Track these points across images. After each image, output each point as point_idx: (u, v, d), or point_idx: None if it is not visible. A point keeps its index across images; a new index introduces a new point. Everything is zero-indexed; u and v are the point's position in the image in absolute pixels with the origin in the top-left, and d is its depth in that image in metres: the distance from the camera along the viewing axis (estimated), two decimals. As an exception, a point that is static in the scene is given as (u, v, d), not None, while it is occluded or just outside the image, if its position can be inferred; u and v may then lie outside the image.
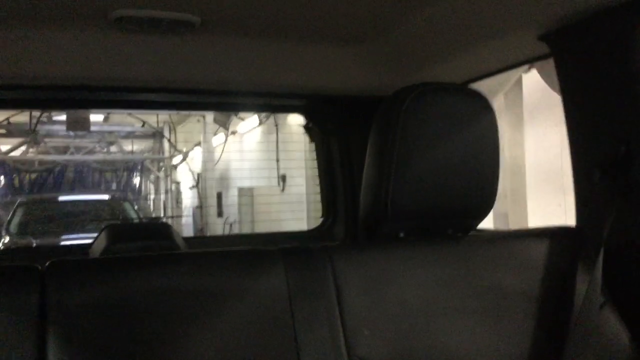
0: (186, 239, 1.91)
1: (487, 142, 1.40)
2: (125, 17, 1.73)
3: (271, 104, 2.71)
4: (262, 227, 10.66)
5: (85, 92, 2.20)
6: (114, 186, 15.22)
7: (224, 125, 11.54)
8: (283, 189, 10.67)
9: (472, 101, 1.40)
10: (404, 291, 1.32)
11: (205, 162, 12.69)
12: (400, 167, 1.32)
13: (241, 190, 11.78)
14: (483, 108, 1.40)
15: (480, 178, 1.40)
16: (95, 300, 1.18)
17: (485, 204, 1.43)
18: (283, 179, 10.63)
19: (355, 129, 2.53)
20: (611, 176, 1.48)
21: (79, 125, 10.49)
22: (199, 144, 13.04)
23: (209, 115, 12.11)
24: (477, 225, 1.49)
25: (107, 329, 1.16)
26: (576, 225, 1.62)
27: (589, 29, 1.52)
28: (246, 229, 11.45)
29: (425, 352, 1.28)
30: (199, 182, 13.06)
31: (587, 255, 1.42)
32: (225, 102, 2.70)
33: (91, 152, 14.94)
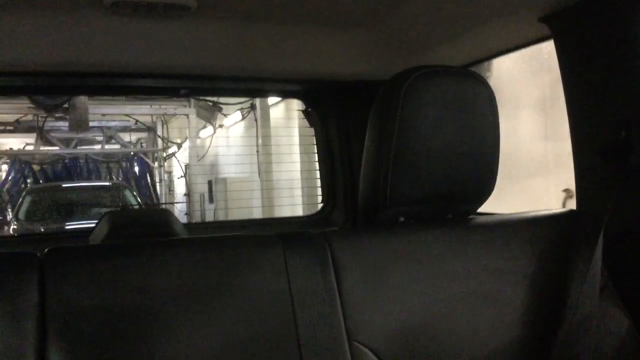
0: (186, 225, 1.66)
1: (486, 125, 1.22)
2: (121, 2, 1.48)
3: (269, 88, 2.40)
4: (234, 212, 10.65)
5: (81, 78, 1.91)
6: (113, 175, 14.95)
7: (209, 120, 11.43)
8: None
9: (472, 84, 1.21)
10: (404, 276, 1.16)
11: (190, 155, 12.62)
12: (400, 151, 1.16)
13: (217, 180, 11.71)
14: (483, 90, 1.21)
15: (480, 161, 1.23)
16: (95, 287, 1.03)
17: (485, 187, 1.26)
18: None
19: (354, 113, 2.24)
20: (611, 161, 1.32)
21: (79, 125, 10.42)
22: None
23: (192, 116, 11.96)
24: (477, 209, 1.32)
25: (109, 316, 1.01)
26: (576, 209, 1.42)
27: (590, 11, 1.33)
28: (220, 214, 11.42)
29: (424, 336, 1.13)
30: (187, 172, 12.89)
31: (587, 239, 1.24)
32: (222, 87, 2.36)
33: (92, 143, 14.66)
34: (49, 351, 0.96)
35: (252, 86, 2.30)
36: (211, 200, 11.81)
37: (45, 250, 1.07)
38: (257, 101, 10.01)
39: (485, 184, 1.25)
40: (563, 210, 1.36)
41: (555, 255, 1.25)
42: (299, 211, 9.01)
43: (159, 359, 1.01)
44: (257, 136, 10.34)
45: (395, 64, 1.79)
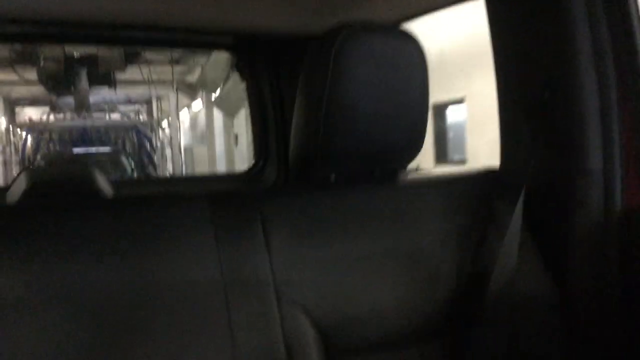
0: (113, 183, 1.31)
1: (416, 84, 1.00)
2: None
3: (199, 40, 1.92)
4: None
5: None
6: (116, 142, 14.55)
7: (192, 97, 11.22)
8: (237, 145, 10.37)
9: (403, 41, 1.00)
10: (332, 237, 0.97)
11: (172, 130, 12.83)
12: (331, 109, 0.94)
13: (186, 149, 12.26)
14: (413, 49, 1.00)
15: (409, 120, 1.02)
16: (10, 251, 0.80)
17: (413, 145, 1.05)
18: (236, 137, 10.30)
19: (285, 68, 1.87)
20: (535, 119, 1.11)
21: (82, 106, 10.39)
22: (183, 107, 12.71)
23: (172, 99, 11.86)
24: (405, 166, 1.12)
25: (25, 279, 0.79)
26: (499, 168, 1.19)
27: None
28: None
29: (352, 294, 0.95)
30: (171, 142, 13.04)
31: (509, 196, 1.06)
32: (149, 37, 1.87)
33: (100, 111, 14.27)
34: None
35: (181, 37, 1.84)
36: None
37: None
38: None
39: (413, 142, 1.04)
40: (486, 168, 1.16)
41: (479, 213, 1.06)
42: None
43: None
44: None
45: (327, 19, 1.47)
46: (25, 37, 1.94)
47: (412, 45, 0.99)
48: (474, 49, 4.92)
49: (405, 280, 0.99)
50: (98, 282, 0.81)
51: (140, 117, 15.15)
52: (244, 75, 1.93)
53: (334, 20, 1.01)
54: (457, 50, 4.93)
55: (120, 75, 9.07)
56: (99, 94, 11.10)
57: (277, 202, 0.97)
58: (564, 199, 1.07)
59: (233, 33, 1.75)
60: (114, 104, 13.66)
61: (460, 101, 5.66)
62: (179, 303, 0.84)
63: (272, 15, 1.57)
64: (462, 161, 5.74)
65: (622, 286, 1.03)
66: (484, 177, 1.14)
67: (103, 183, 1.23)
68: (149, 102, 13.81)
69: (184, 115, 13.32)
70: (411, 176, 1.18)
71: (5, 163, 12.12)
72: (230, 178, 2.22)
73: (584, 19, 1.03)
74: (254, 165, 1.99)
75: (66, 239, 0.82)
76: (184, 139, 13.13)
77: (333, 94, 0.93)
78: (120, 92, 12.28)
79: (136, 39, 1.97)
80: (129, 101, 13.41)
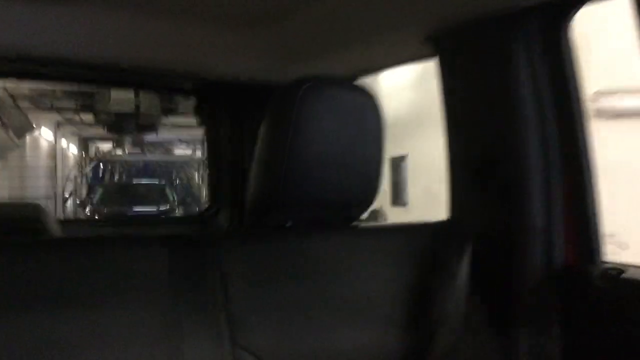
0: (62, 222, 1.21)
1: (373, 137, 0.96)
2: None
3: (160, 83, 1.86)
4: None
5: None
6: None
7: None
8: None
9: (362, 97, 0.96)
10: (288, 282, 0.91)
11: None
12: (292, 157, 0.89)
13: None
14: (371, 103, 0.96)
15: (365, 171, 0.97)
16: None
17: (369, 195, 0.99)
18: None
19: (244, 114, 1.78)
20: (482, 175, 1.08)
21: (137, 145, 11.49)
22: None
23: None
24: (360, 216, 1.06)
25: None
26: (448, 220, 1.15)
27: (472, 35, 1.08)
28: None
29: (306, 342, 0.88)
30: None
31: (457, 249, 1.02)
32: (113, 78, 1.83)
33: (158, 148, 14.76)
34: None
35: (143, 80, 1.79)
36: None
37: None
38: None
39: (369, 192, 0.99)
40: (437, 220, 1.10)
41: (429, 262, 1.01)
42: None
43: None
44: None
45: (288, 70, 1.43)
46: None
47: (371, 100, 0.96)
48: (413, 116, 5.71)
49: (360, 327, 0.92)
50: (39, 332, 0.70)
51: (198, 153, 15.57)
52: (202, 120, 1.85)
53: (294, 71, 0.97)
54: (402, 116, 5.85)
55: (176, 120, 9.51)
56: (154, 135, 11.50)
57: (234, 246, 0.89)
58: (508, 254, 1.03)
59: (194, 78, 1.68)
60: (170, 143, 14.13)
61: (404, 157, 6.72)
62: (130, 341, 0.75)
63: (233, 63, 1.51)
64: (407, 203, 6.81)
65: (564, 340, 0.99)
66: (435, 228, 1.07)
67: (51, 222, 1.14)
68: (203, 142, 14.21)
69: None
70: (366, 224, 1.11)
71: (76, 191, 12.63)
72: (185, 220, 2.11)
73: (529, 84, 1.01)
74: (208, 208, 1.88)
75: (5, 282, 0.72)
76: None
77: (295, 143, 0.88)
78: (179, 133, 12.72)
79: (97, 79, 1.92)
80: (181, 141, 13.81)
